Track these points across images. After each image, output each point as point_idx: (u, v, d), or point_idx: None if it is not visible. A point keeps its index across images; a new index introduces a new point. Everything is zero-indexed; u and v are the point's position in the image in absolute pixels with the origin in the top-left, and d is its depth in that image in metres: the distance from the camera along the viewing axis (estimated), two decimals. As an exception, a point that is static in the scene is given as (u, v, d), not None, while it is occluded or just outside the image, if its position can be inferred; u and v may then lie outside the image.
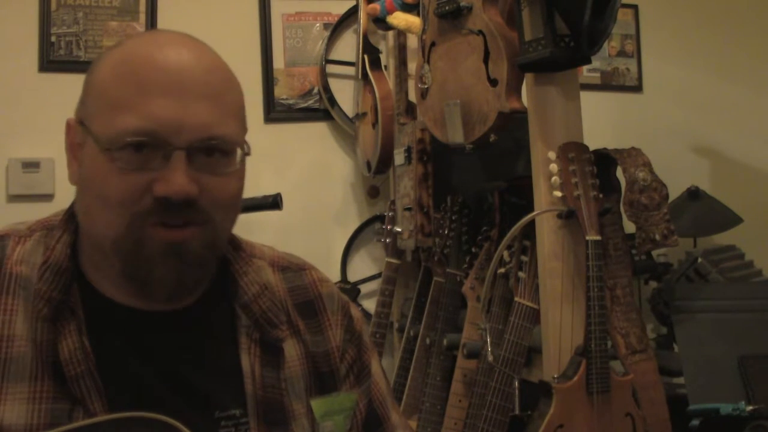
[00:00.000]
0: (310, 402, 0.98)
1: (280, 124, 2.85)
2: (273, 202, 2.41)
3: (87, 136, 0.88)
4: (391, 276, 2.57)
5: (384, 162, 2.63)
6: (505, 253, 1.85)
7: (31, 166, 2.55)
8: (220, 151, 0.89)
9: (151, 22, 2.72)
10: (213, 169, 0.88)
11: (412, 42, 2.60)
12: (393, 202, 2.61)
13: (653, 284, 2.55)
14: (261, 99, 2.84)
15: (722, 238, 2.71)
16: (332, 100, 2.87)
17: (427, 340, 2.27)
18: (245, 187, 0.96)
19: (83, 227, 0.92)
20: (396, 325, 2.70)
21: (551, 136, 1.72)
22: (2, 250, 0.92)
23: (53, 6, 2.62)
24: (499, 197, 2.06)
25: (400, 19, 2.36)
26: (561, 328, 1.69)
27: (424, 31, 2.09)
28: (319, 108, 2.91)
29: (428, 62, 2.05)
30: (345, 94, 2.92)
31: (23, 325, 0.87)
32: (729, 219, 2.64)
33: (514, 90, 1.76)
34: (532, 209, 1.74)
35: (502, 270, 1.87)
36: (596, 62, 3.12)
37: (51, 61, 2.62)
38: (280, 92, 2.87)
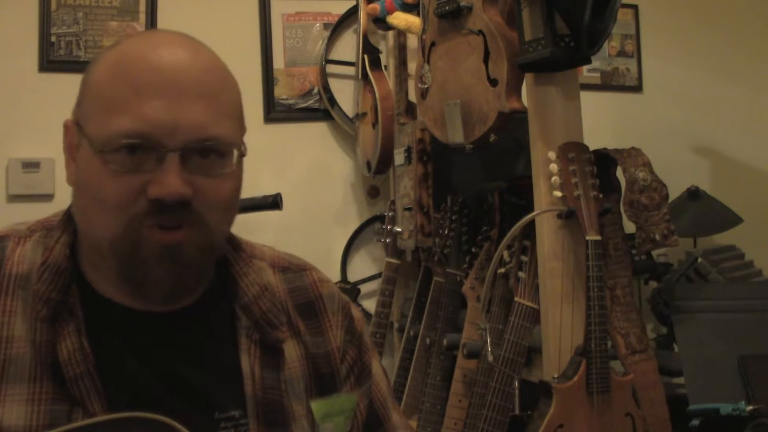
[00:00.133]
0: (310, 403, 0.98)
1: (280, 124, 2.85)
2: (273, 202, 2.41)
3: (82, 138, 0.88)
4: (391, 276, 2.57)
5: (384, 162, 2.63)
6: (505, 253, 1.85)
7: (31, 166, 2.55)
8: (215, 152, 0.88)
9: (151, 22, 2.71)
10: (208, 170, 0.88)
11: (412, 42, 2.60)
12: (393, 202, 2.61)
13: (653, 284, 2.55)
14: (261, 99, 2.84)
15: (722, 238, 2.71)
16: (332, 100, 2.87)
17: (427, 340, 2.27)
18: (245, 187, 0.96)
19: (80, 228, 0.92)
20: (396, 325, 2.70)
21: (551, 136, 1.72)
22: (2, 251, 0.92)
23: (53, 6, 2.62)
24: (499, 197, 2.06)
25: (400, 19, 2.36)
26: (561, 328, 1.69)
27: (424, 31, 2.09)
28: (319, 108, 2.91)
29: (428, 62, 2.05)
30: (345, 94, 2.92)
31: (22, 326, 0.87)
32: (729, 219, 2.64)
33: (514, 90, 1.76)
34: (532, 209, 1.74)
35: (502, 270, 1.87)
36: (596, 62, 3.12)
37: (51, 61, 2.62)
38: (280, 92, 2.87)
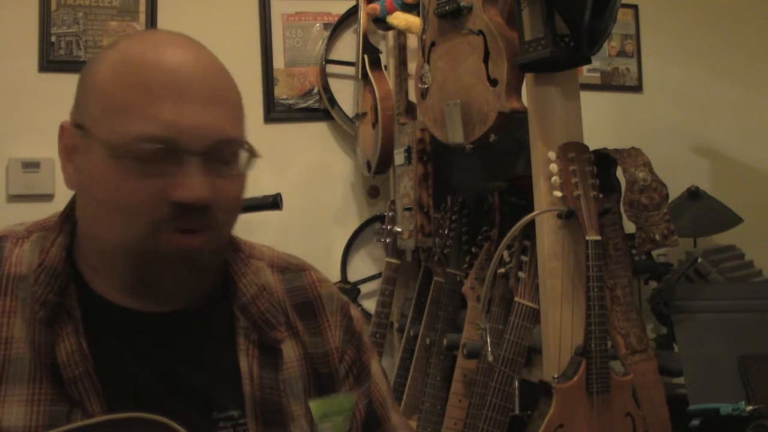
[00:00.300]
0: (308, 403, 0.98)
1: (280, 124, 2.85)
2: (273, 202, 2.41)
3: (90, 141, 0.87)
4: (391, 276, 2.57)
5: (384, 162, 2.63)
6: (505, 253, 1.85)
7: (31, 166, 2.55)
8: (229, 154, 0.89)
9: (151, 22, 2.72)
10: (221, 172, 0.88)
11: (412, 42, 2.60)
12: (393, 202, 2.61)
13: (653, 284, 2.55)
14: (261, 99, 2.84)
15: (722, 238, 2.71)
16: (332, 100, 2.87)
17: (427, 340, 2.27)
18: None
19: (84, 231, 0.91)
20: (396, 325, 2.70)
21: (551, 136, 1.72)
22: (0, 252, 0.92)
23: (53, 6, 2.62)
24: (499, 197, 2.06)
25: (400, 19, 2.36)
26: (561, 328, 1.69)
27: (424, 31, 2.09)
28: (319, 108, 2.91)
29: (428, 62, 2.05)
30: (345, 94, 2.92)
31: (21, 327, 0.87)
32: (729, 219, 2.64)
33: (514, 90, 1.76)
34: (532, 209, 1.74)
35: (502, 270, 1.87)
36: (596, 62, 3.12)
37: (51, 61, 2.62)
38: (280, 92, 2.87)
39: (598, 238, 1.64)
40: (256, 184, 2.58)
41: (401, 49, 2.66)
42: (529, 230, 1.77)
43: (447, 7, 1.91)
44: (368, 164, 2.74)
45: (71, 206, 0.95)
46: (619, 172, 1.79)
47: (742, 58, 3.29)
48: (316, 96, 2.91)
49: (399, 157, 2.45)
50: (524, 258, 1.81)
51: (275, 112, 2.85)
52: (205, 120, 0.86)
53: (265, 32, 2.87)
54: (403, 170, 2.43)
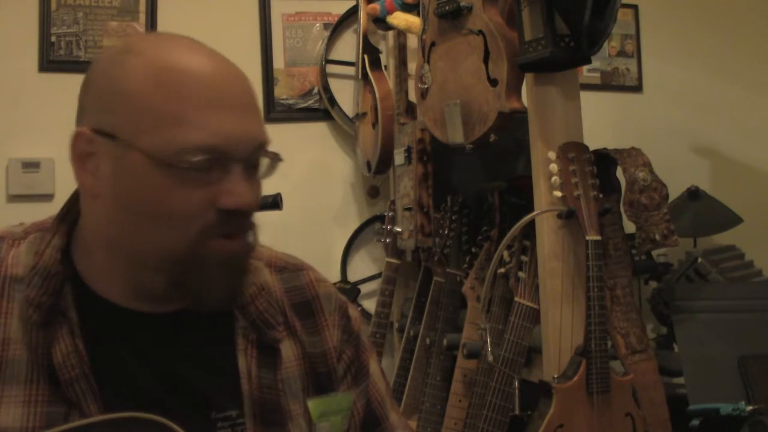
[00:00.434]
0: (307, 402, 0.98)
1: (280, 124, 2.85)
2: (273, 202, 2.41)
3: (125, 150, 0.86)
4: (391, 276, 2.57)
5: (384, 162, 2.63)
6: (505, 253, 1.85)
7: (31, 166, 2.55)
8: (260, 159, 0.91)
9: (151, 22, 2.72)
10: (253, 176, 0.91)
11: (412, 42, 2.60)
12: (393, 202, 2.61)
13: (653, 284, 2.55)
14: (261, 99, 2.84)
15: (722, 238, 2.71)
16: (332, 100, 2.87)
17: (427, 340, 2.27)
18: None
19: (99, 236, 0.90)
20: (396, 325, 2.70)
21: (551, 136, 1.72)
22: None
23: (53, 6, 2.62)
24: (499, 197, 2.06)
25: (400, 19, 2.36)
26: (561, 328, 1.69)
27: (424, 31, 2.09)
28: (319, 108, 2.91)
29: (428, 62, 2.05)
30: (345, 94, 2.92)
31: (18, 329, 0.87)
32: (729, 219, 2.64)
33: (514, 90, 1.76)
34: (532, 209, 1.74)
35: (502, 270, 1.87)
36: (596, 62, 3.12)
37: (51, 61, 2.62)
38: (280, 92, 2.87)
39: (598, 238, 1.64)
40: (256, 184, 2.59)
41: (401, 49, 2.66)
42: (529, 230, 1.77)
43: (447, 7, 1.91)
44: (368, 164, 2.74)
45: (68, 207, 0.95)
46: (619, 172, 1.79)
47: (742, 58, 3.29)
48: (316, 96, 2.91)
49: (399, 157, 2.45)
50: (524, 258, 1.81)
51: (275, 112, 2.85)
52: (247, 127, 0.88)
53: (265, 32, 2.87)
54: (403, 170, 2.43)
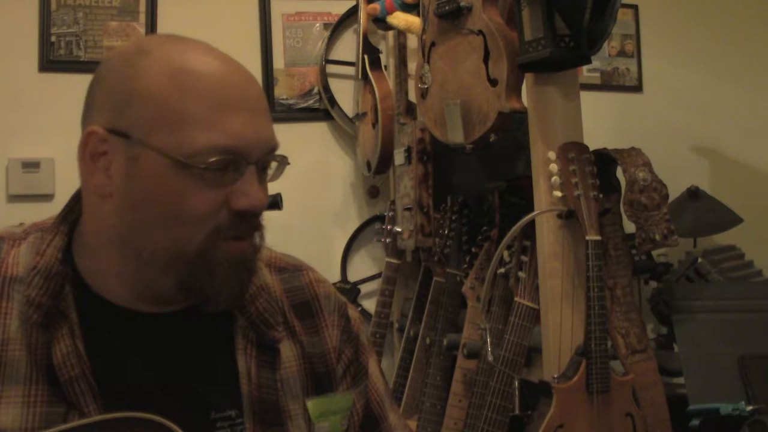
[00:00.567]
0: (306, 402, 0.98)
1: (280, 124, 2.83)
2: (273, 202, 2.41)
3: (141, 150, 0.86)
4: (391, 276, 2.57)
5: (384, 162, 2.63)
6: (505, 253, 1.85)
7: (31, 166, 2.55)
8: (270, 162, 0.93)
9: (151, 22, 2.71)
10: (263, 178, 0.92)
11: (412, 42, 2.60)
12: (393, 202, 2.61)
13: (653, 284, 2.55)
14: (261, 99, 2.83)
15: (722, 238, 2.71)
16: (332, 100, 2.87)
17: (427, 340, 2.27)
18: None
19: (123, 239, 0.89)
20: (396, 325, 2.70)
21: (551, 136, 1.72)
22: None
23: (53, 6, 2.62)
24: (499, 197, 2.06)
25: (400, 19, 2.36)
26: (561, 328, 1.69)
27: (424, 31, 2.09)
28: (319, 108, 2.91)
29: (428, 62, 2.05)
30: (345, 94, 2.92)
31: (18, 329, 0.87)
32: (729, 219, 2.64)
33: (514, 90, 1.76)
34: (532, 209, 1.74)
35: (502, 270, 1.87)
36: (596, 62, 3.12)
37: (51, 61, 2.62)
38: (280, 92, 2.87)
39: (598, 238, 1.64)
40: (256, 184, 2.59)
41: (401, 49, 2.66)
42: (529, 230, 1.77)
43: (447, 7, 1.91)
44: (368, 164, 2.74)
45: (70, 208, 0.95)
46: (619, 172, 1.79)
47: (742, 58, 3.28)
48: (316, 96, 2.91)
49: (399, 157, 2.45)
50: (524, 258, 1.81)
51: (275, 112, 2.84)
52: (261, 130, 0.89)
53: (265, 32, 2.87)
54: (403, 170, 2.43)
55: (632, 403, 1.67)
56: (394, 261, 2.57)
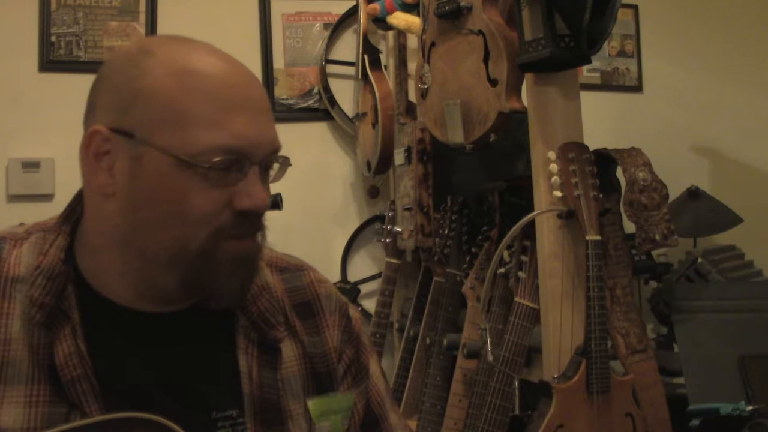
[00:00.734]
0: (307, 402, 0.98)
1: (280, 124, 2.78)
2: (273, 203, 2.40)
3: (144, 149, 0.86)
4: (391, 276, 2.57)
5: (384, 162, 2.63)
6: (505, 253, 1.85)
7: (31, 166, 2.55)
8: (273, 162, 0.93)
9: (151, 22, 2.71)
10: (266, 179, 0.93)
11: (412, 42, 2.60)
12: (393, 202, 2.61)
13: (653, 284, 2.55)
14: (261, 99, 2.83)
15: (722, 238, 2.71)
16: (332, 100, 2.88)
17: (427, 340, 2.27)
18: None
19: (126, 238, 0.89)
20: (396, 325, 2.70)
21: (551, 136, 1.72)
22: None
23: (53, 6, 2.62)
24: (499, 197, 2.06)
25: (400, 19, 2.36)
26: (561, 328, 1.69)
27: (424, 31, 2.09)
28: (319, 108, 2.91)
29: (428, 62, 2.05)
30: (345, 94, 2.92)
31: (20, 329, 0.87)
32: (729, 219, 2.64)
33: (514, 90, 1.76)
34: (532, 209, 1.74)
35: (502, 270, 1.87)
36: (596, 62, 3.12)
37: (51, 61, 2.62)
38: (280, 92, 2.88)
39: (598, 238, 1.64)
40: (256, 184, 2.59)
41: (401, 49, 2.66)
42: (529, 230, 1.77)
43: (447, 7, 1.91)
44: (368, 164, 2.74)
45: (72, 208, 0.95)
46: (619, 172, 1.79)
47: (742, 58, 3.28)
48: (316, 96, 2.91)
49: (399, 157, 2.45)
50: (524, 258, 1.81)
51: (275, 112, 2.80)
52: (265, 131, 0.90)
53: (265, 32, 2.87)
54: (403, 170, 2.43)
55: (632, 403, 1.67)
56: (394, 261, 2.57)
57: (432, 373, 2.20)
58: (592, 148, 1.74)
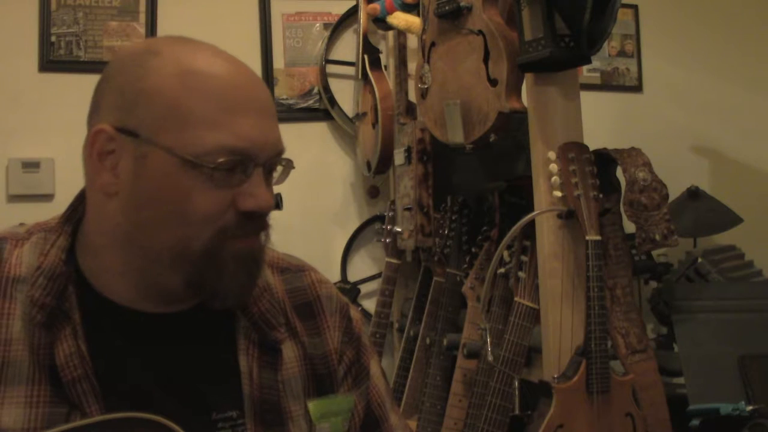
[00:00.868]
0: (307, 403, 0.98)
1: (280, 124, 2.80)
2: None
3: (149, 149, 0.86)
4: (391, 276, 2.57)
5: (384, 162, 2.63)
6: (505, 253, 1.85)
7: (31, 166, 2.55)
8: (277, 164, 0.94)
9: (151, 22, 2.71)
10: (270, 180, 0.93)
11: (412, 42, 2.60)
12: (393, 202, 2.61)
13: (653, 284, 2.55)
14: (261, 99, 2.83)
15: (722, 238, 2.71)
16: (332, 100, 2.88)
17: (427, 340, 2.27)
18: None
19: (129, 238, 0.89)
20: (396, 325, 2.70)
21: (551, 136, 1.72)
22: (0, 253, 0.91)
23: (53, 6, 2.62)
24: (499, 197, 2.06)
25: (400, 19, 2.36)
26: (561, 328, 1.69)
27: (424, 31, 2.09)
28: (319, 108, 2.91)
29: (428, 62, 2.05)
30: (345, 94, 2.92)
31: (21, 329, 0.87)
32: (729, 219, 2.64)
33: (514, 90, 1.76)
34: (532, 209, 1.74)
35: (502, 270, 1.87)
36: (596, 62, 3.12)
37: (51, 61, 2.62)
38: (280, 92, 2.88)
39: (598, 238, 1.64)
40: (256, 184, 2.59)
41: (401, 49, 2.66)
42: (529, 230, 1.77)
43: (447, 7, 1.91)
44: (368, 164, 2.74)
45: (73, 208, 0.95)
46: (619, 172, 1.79)
47: (742, 58, 3.28)
48: (316, 96, 2.91)
49: (399, 157, 2.45)
50: (524, 258, 1.81)
51: (275, 112, 2.84)
52: (269, 133, 0.91)
53: (265, 32, 2.87)
54: (403, 170, 2.43)
55: (632, 403, 1.67)
56: (394, 261, 2.57)
57: (432, 373, 2.20)
58: (592, 148, 1.74)
